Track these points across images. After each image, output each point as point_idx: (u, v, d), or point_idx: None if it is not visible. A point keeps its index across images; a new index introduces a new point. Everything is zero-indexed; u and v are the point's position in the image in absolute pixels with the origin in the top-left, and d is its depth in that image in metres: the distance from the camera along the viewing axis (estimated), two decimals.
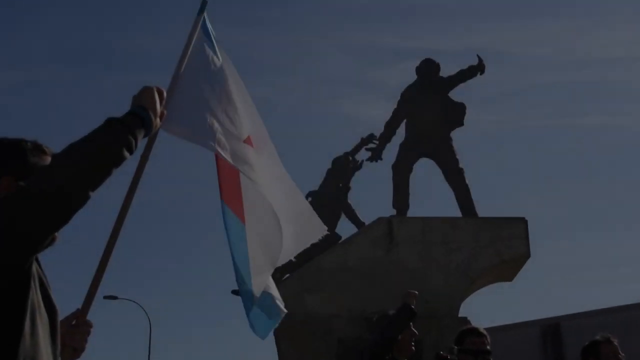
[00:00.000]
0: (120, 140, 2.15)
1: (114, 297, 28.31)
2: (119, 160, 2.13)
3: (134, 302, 29.48)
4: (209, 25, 3.78)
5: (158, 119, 2.39)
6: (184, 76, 3.46)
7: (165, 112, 2.53)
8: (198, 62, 3.59)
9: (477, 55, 13.01)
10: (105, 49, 51.32)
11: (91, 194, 2.05)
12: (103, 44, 51.61)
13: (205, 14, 3.75)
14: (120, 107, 2.32)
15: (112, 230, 2.97)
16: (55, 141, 2.29)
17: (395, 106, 13.12)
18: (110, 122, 2.17)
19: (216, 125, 3.44)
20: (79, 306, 2.77)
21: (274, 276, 3.88)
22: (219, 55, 3.74)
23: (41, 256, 2.13)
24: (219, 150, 3.39)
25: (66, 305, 2.48)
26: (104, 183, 2.10)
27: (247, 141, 3.62)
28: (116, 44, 50.88)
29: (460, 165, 12.72)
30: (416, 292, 5.56)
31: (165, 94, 2.46)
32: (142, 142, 2.34)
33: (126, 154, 2.15)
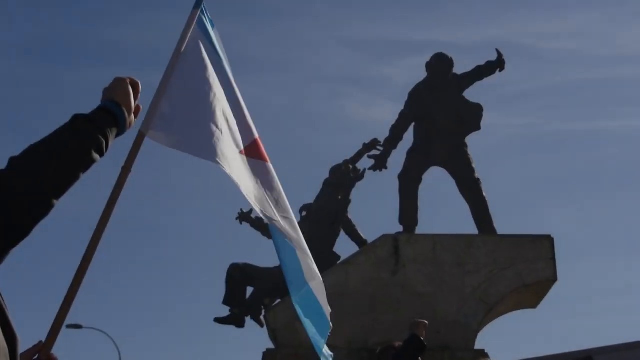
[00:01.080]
0: (89, 140, 2.14)
1: (79, 326, 28.24)
2: (87, 164, 2.13)
3: (101, 331, 29.44)
4: (208, 20, 3.83)
5: (132, 116, 2.39)
6: (176, 77, 3.49)
7: (141, 107, 2.53)
8: (194, 61, 3.64)
9: (496, 50, 13.08)
10: (75, 41, 51.36)
11: (55, 202, 2.04)
12: (72, 35, 51.68)
13: (203, 6, 3.80)
14: (90, 105, 2.32)
15: (86, 251, 2.95)
16: (15, 142, 2.29)
17: (402, 107, 13.16)
18: (76, 119, 2.17)
19: (216, 133, 3.49)
20: (42, 338, 2.76)
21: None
22: (220, 53, 3.80)
23: None
24: (220, 162, 3.44)
25: (27, 336, 2.47)
26: (70, 189, 2.09)
27: (244, 152, 3.72)
28: (89, 37, 50.89)
29: (477, 175, 12.74)
30: (426, 322, 5.58)
31: (140, 86, 2.46)
32: (122, 152, 2.33)
33: (96, 156, 2.15)
